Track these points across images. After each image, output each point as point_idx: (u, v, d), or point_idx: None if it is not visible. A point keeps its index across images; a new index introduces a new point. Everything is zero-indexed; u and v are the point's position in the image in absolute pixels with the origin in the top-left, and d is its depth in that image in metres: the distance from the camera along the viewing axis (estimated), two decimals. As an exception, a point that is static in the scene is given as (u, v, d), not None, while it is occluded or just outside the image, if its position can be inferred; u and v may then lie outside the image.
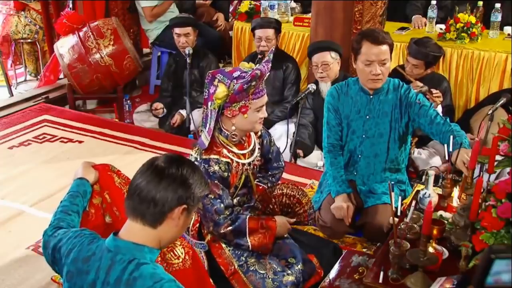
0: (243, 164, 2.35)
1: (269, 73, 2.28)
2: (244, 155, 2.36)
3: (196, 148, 2.28)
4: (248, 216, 2.31)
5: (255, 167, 2.44)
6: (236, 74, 2.18)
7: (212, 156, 2.25)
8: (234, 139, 2.30)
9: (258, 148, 2.47)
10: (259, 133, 2.49)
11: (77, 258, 1.60)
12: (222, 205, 2.23)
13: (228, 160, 2.29)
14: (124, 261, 1.54)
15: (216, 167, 2.23)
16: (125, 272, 1.52)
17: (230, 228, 2.26)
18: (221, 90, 2.17)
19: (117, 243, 1.57)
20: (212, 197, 2.22)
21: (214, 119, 2.23)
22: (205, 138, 2.24)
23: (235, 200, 2.39)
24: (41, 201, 3.53)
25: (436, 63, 4.02)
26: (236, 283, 2.31)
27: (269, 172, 2.62)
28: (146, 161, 1.63)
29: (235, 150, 2.32)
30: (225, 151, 2.29)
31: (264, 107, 2.29)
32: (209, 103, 2.23)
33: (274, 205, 2.44)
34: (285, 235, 2.45)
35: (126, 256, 1.54)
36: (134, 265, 1.53)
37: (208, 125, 2.25)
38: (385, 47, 2.74)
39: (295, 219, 2.45)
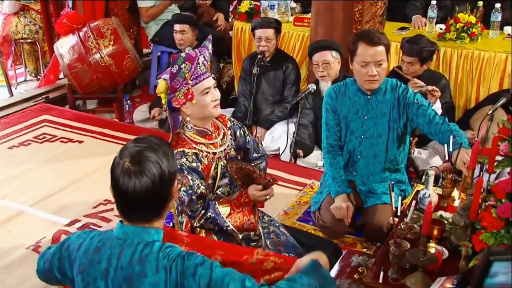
0: (214, 153, 2.35)
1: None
2: (214, 144, 2.37)
3: None
4: (217, 202, 2.31)
5: (228, 155, 2.43)
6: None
7: (178, 150, 2.26)
8: (188, 129, 2.31)
9: (231, 139, 2.47)
10: (229, 124, 2.50)
11: (88, 250, 1.62)
12: (194, 196, 2.22)
13: (195, 150, 2.29)
14: (133, 244, 1.58)
15: (183, 159, 2.24)
16: (136, 253, 1.56)
17: (204, 218, 2.26)
18: (160, 85, 2.24)
19: (125, 230, 1.61)
20: (184, 189, 2.21)
21: (169, 116, 2.28)
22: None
23: (218, 192, 2.39)
24: (41, 201, 3.53)
25: (431, 58, 4.00)
26: None
27: (253, 164, 2.62)
28: (111, 167, 1.61)
29: (202, 140, 2.33)
30: (192, 144, 2.30)
31: (212, 90, 2.29)
32: None
33: (240, 182, 2.43)
34: (264, 200, 2.39)
35: (135, 240, 1.59)
36: (143, 245, 1.57)
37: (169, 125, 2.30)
38: (380, 48, 2.74)
39: (260, 185, 2.37)
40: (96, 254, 1.60)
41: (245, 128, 2.60)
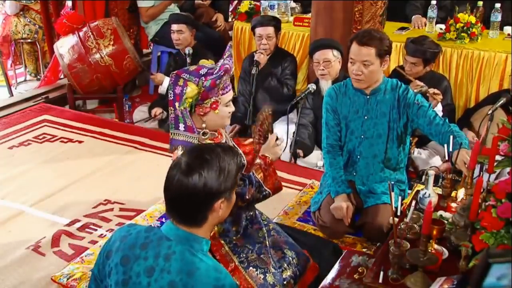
0: None
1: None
2: None
3: (180, 148, 2.25)
4: (252, 171, 2.32)
5: None
6: (203, 71, 2.19)
7: None
8: (204, 137, 2.30)
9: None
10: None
11: (135, 244, 1.64)
12: None
13: None
14: (184, 251, 1.59)
15: None
16: (187, 263, 1.57)
17: (253, 189, 2.26)
18: (191, 89, 2.18)
19: (178, 233, 1.63)
20: None
21: (189, 117, 2.24)
22: (185, 137, 2.25)
23: None
24: (41, 201, 3.53)
25: (434, 60, 4.02)
26: (237, 279, 2.30)
27: None
28: (171, 165, 1.67)
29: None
30: None
31: (231, 102, 2.30)
32: (177, 104, 2.23)
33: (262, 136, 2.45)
34: (280, 150, 2.42)
35: (185, 246, 1.60)
36: (195, 256, 1.59)
37: (183, 124, 2.26)
38: (368, 49, 2.73)
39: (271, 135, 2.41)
40: (142, 250, 1.62)
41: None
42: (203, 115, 2.25)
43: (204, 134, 2.29)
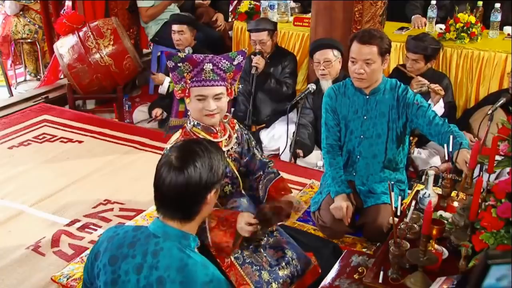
0: None
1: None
2: (219, 143, 2.34)
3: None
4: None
5: (231, 157, 2.42)
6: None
7: None
8: (191, 123, 2.31)
9: (236, 142, 2.45)
10: (236, 127, 2.49)
11: (122, 244, 1.64)
12: None
13: None
14: (173, 248, 1.60)
15: None
16: (175, 259, 1.58)
17: None
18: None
19: (166, 230, 1.63)
20: None
21: (175, 102, 2.29)
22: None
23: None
24: (41, 201, 3.53)
25: (435, 56, 4.03)
26: (233, 275, 2.29)
27: (260, 173, 2.54)
28: (158, 163, 1.67)
29: (207, 138, 2.30)
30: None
31: (209, 99, 2.23)
32: None
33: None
34: (246, 234, 2.22)
35: (174, 243, 1.61)
36: (183, 252, 1.60)
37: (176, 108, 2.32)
38: (369, 48, 2.74)
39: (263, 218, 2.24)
40: (130, 249, 1.63)
41: (252, 139, 2.56)
42: (179, 98, 2.30)
43: (190, 122, 2.30)
